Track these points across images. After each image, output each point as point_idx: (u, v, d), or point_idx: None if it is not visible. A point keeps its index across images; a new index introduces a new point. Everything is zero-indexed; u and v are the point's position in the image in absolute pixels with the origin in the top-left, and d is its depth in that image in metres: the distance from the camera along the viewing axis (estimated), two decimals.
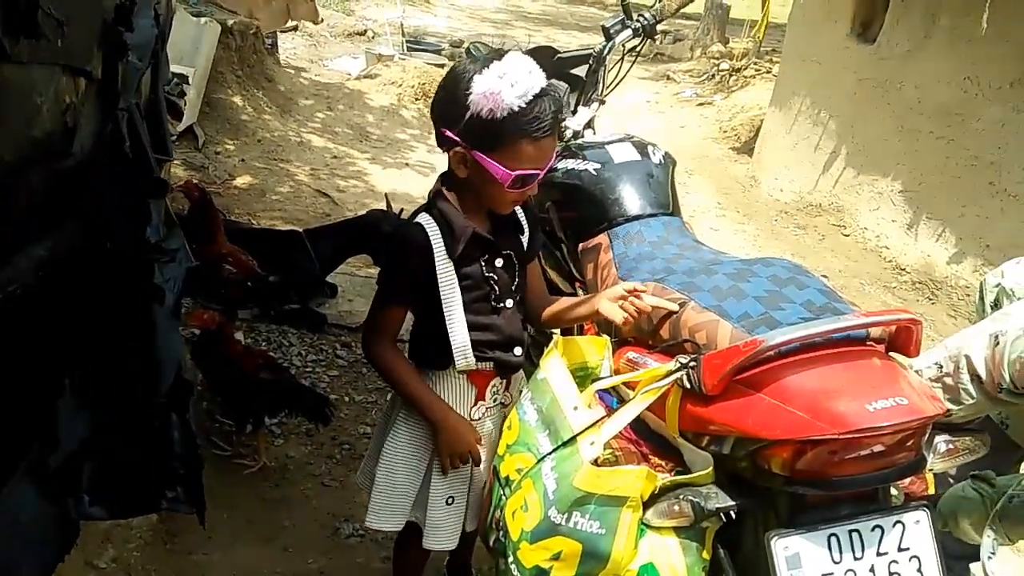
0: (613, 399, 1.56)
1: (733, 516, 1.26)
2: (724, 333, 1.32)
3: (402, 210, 3.25)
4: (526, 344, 1.61)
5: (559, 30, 12.57)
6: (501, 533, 1.41)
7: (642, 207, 1.89)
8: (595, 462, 1.27)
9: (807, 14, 5.72)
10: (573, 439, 1.31)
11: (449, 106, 1.38)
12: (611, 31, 2.30)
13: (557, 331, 2.16)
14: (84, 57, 1.34)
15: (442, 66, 7.13)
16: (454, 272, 1.46)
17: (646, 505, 1.27)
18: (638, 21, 2.32)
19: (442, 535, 1.60)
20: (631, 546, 1.25)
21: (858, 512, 1.23)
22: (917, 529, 1.23)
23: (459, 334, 1.48)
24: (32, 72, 1.18)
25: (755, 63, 8.54)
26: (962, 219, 4.18)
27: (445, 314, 1.46)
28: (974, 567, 1.68)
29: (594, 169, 1.95)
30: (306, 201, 4.53)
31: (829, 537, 1.20)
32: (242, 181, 4.58)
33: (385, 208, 3.30)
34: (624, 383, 1.44)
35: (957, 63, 4.20)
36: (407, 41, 8.25)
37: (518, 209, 1.55)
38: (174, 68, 4.03)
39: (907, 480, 1.37)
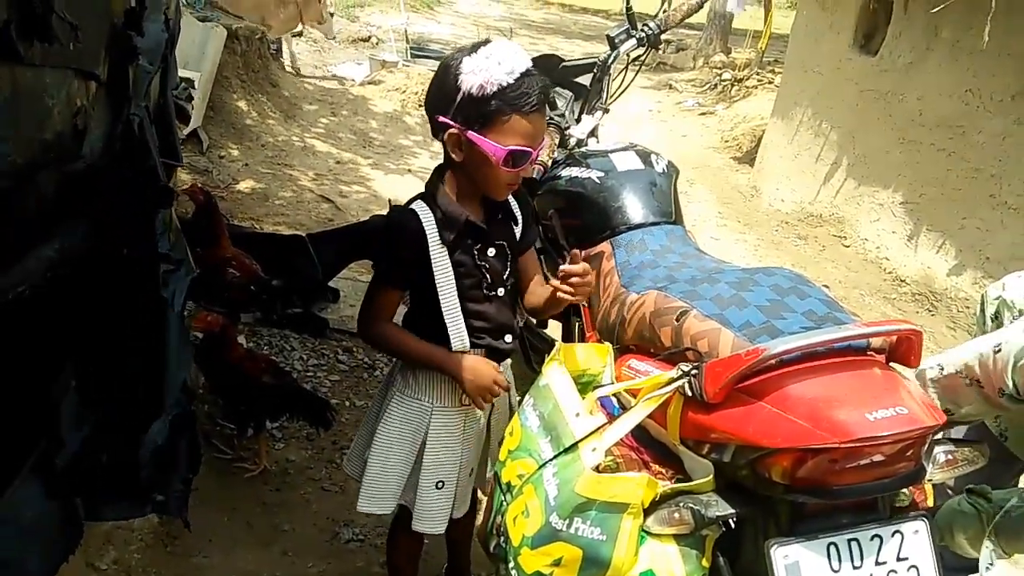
0: (615, 406, 1.57)
1: (733, 524, 1.27)
2: (726, 341, 1.32)
3: None
4: (516, 332, 1.64)
5: (563, 39, 12.62)
6: (502, 539, 1.41)
7: (645, 215, 1.90)
8: (596, 468, 1.28)
9: (809, 25, 5.75)
10: (575, 445, 1.32)
11: (441, 92, 1.44)
12: (616, 40, 2.31)
13: (559, 338, 2.17)
14: (94, 61, 1.35)
15: None
16: (448, 258, 1.50)
17: (647, 512, 1.27)
18: (643, 31, 2.33)
19: (431, 518, 1.63)
20: (631, 553, 1.26)
21: (857, 521, 1.23)
22: (916, 539, 1.24)
23: (455, 318, 1.52)
24: (44, 75, 1.19)
25: (757, 73, 8.58)
26: (962, 231, 4.19)
27: (441, 299, 1.50)
28: None
29: (597, 177, 1.96)
30: (309, 206, 4.55)
31: (828, 546, 1.21)
32: (245, 185, 4.60)
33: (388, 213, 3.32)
34: (626, 390, 1.45)
35: (958, 75, 4.22)
36: (411, 48, 8.30)
37: (514, 202, 1.60)
38: (180, 72, 4.05)
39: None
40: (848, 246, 4.96)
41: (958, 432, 1.80)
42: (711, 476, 1.29)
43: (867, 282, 4.56)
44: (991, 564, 1.40)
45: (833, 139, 5.22)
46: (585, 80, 2.37)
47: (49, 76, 1.20)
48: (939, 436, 1.32)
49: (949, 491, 1.72)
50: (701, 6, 2.57)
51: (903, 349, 1.29)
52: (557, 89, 2.38)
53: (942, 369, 1.58)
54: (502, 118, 1.40)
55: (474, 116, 1.41)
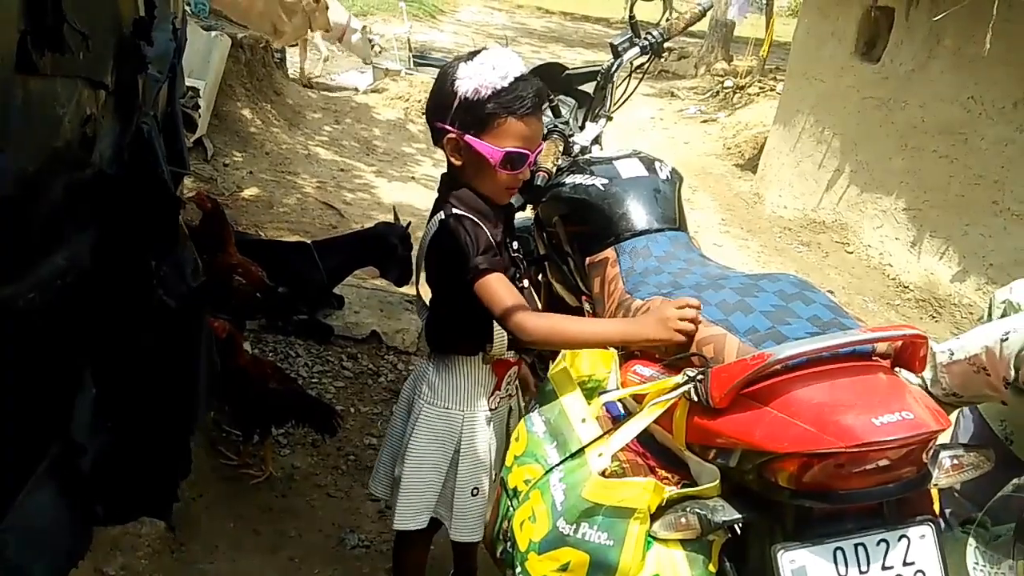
0: (620, 412, 1.58)
1: (739, 529, 1.27)
2: (731, 347, 1.33)
3: (409, 223, 3.27)
4: None
5: (564, 47, 12.67)
6: (509, 544, 1.42)
7: (649, 222, 1.90)
8: (603, 473, 1.28)
9: (811, 33, 5.77)
10: (581, 451, 1.33)
11: (439, 99, 1.47)
12: (619, 48, 2.32)
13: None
14: (103, 69, 1.36)
15: None
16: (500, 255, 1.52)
17: (653, 517, 1.28)
18: (646, 39, 2.34)
19: (469, 526, 1.64)
20: (638, 558, 1.26)
21: (864, 526, 1.23)
22: (922, 544, 1.24)
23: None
24: (55, 84, 1.20)
25: (759, 81, 8.61)
26: (965, 237, 4.20)
27: None
28: None
29: (601, 184, 1.97)
30: (313, 213, 4.56)
31: (835, 551, 1.21)
32: (250, 193, 4.62)
33: (392, 220, 3.33)
34: (631, 396, 1.46)
35: (960, 83, 4.23)
36: (414, 56, 8.32)
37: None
38: (185, 81, 4.07)
39: None
40: (851, 252, 4.97)
41: (964, 437, 1.81)
42: (717, 481, 1.29)
43: (870, 288, 4.57)
44: (977, 564, 1.39)
45: (835, 146, 5.23)
46: (588, 88, 2.38)
47: (60, 85, 1.21)
48: (945, 441, 1.32)
49: (955, 494, 1.72)
50: (704, 14, 2.57)
51: (908, 354, 1.30)
52: (561, 97, 2.39)
53: (952, 354, 1.59)
54: (497, 121, 1.43)
55: (470, 120, 1.44)
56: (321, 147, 5.83)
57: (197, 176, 4.45)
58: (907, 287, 4.50)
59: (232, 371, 2.27)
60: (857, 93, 5.04)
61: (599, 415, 1.42)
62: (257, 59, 5.83)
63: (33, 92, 1.11)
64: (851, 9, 5.20)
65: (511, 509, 1.43)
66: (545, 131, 1.87)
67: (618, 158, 2.05)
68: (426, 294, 1.68)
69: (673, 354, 1.45)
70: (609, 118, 2.37)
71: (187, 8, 4.36)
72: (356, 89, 7.46)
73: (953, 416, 1.79)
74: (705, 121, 8.16)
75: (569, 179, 2.03)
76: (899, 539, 1.23)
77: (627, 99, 2.42)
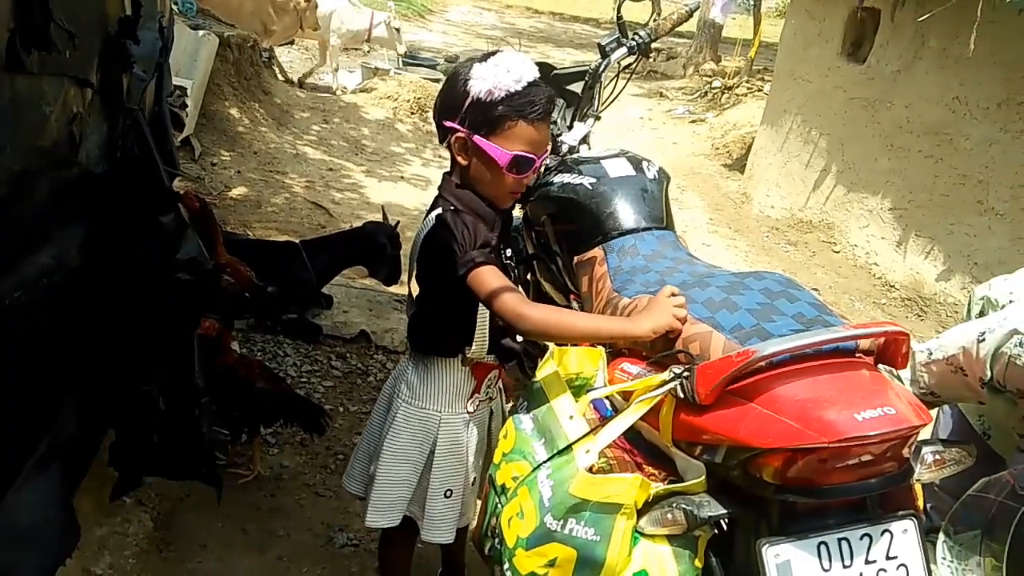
0: (607, 409, 1.59)
1: (725, 524, 1.28)
2: (717, 344, 1.34)
3: (398, 222, 3.27)
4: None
5: (553, 47, 12.69)
6: (497, 540, 1.42)
7: (636, 221, 1.91)
8: (590, 470, 1.29)
9: (798, 34, 5.81)
10: (569, 447, 1.33)
11: (450, 97, 1.47)
12: (607, 49, 2.33)
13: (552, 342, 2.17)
14: (90, 68, 1.36)
15: (437, 81, 7.19)
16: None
17: (640, 513, 1.28)
18: (634, 39, 2.36)
19: (440, 527, 1.64)
20: (625, 553, 1.27)
21: (847, 521, 1.24)
22: (905, 538, 1.25)
23: (486, 321, 1.53)
24: (42, 83, 1.20)
25: (747, 81, 8.65)
26: (950, 236, 4.24)
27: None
28: None
29: (589, 183, 1.98)
30: (301, 213, 4.56)
31: (819, 545, 1.22)
32: (238, 192, 4.60)
33: (381, 220, 3.33)
34: (619, 393, 1.46)
35: (946, 83, 4.27)
36: (402, 56, 8.32)
37: None
38: (173, 80, 4.05)
39: None
40: (837, 252, 5.00)
41: (943, 432, 1.83)
42: (703, 477, 1.30)
43: (856, 287, 4.60)
44: (945, 558, 1.41)
45: (822, 146, 5.27)
46: (577, 88, 2.39)
47: (46, 84, 1.21)
48: (927, 436, 1.34)
49: (936, 489, 1.74)
50: (691, 15, 2.59)
51: (891, 351, 1.31)
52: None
53: (931, 354, 1.61)
54: (508, 123, 1.43)
55: (481, 121, 1.43)
56: (309, 146, 5.82)
57: (184, 175, 4.43)
58: (893, 286, 4.54)
59: (220, 371, 2.27)
60: (844, 93, 5.08)
61: (587, 412, 1.42)
62: (245, 58, 5.81)
63: (20, 90, 1.11)
64: (838, 10, 5.24)
65: (499, 506, 1.43)
66: None
67: (606, 157, 2.06)
68: (415, 291, 1.68)
69: (660, 352, 1.47)
70: (597, 118, 2.38)
71: (174, 7, 4.34)
72: (345, 88, 7.45)
73: (934, 412, 1.81)
74: (693, 121, 8.21)
75: (557, 178, 2.04)
76: (882, 533, 1.24)
77: (615, 99, 2.43)
